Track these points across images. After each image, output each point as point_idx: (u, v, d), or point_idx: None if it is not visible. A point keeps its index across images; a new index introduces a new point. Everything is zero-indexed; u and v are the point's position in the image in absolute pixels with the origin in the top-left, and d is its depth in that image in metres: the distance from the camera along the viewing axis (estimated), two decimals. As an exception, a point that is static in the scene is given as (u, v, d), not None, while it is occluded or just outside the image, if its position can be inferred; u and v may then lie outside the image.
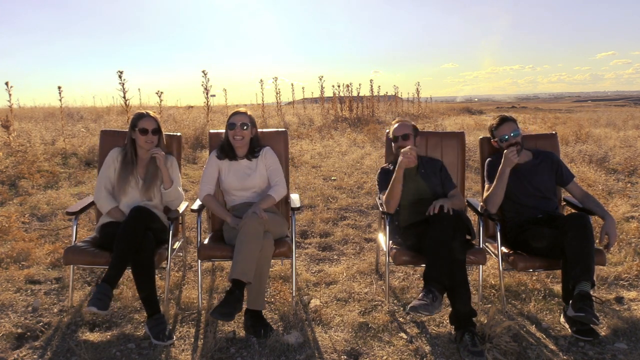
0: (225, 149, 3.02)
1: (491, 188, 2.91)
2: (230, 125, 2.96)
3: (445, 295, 2.48)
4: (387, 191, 2.85)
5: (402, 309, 2.86)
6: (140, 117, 2.92)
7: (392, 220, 2.95)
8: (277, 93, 15.54)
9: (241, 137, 2.95)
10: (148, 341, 2.49)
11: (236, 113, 3.01)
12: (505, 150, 2.86)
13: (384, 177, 2.99)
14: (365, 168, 7.26)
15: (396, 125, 3.04)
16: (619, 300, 2.95)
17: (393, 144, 3.07)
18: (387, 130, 3.27)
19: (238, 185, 2.98)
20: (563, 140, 9.01)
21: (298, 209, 3.02)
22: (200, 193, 3.00)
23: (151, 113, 2.97)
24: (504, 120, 3.00)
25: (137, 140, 2.91)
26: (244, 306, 2.59)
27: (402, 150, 2.76)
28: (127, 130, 2.96)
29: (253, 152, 3.03)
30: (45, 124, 10.78)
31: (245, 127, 2.95)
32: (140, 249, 2.54)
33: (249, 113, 3.04)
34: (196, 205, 2.99)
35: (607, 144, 8.88)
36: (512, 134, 2.94)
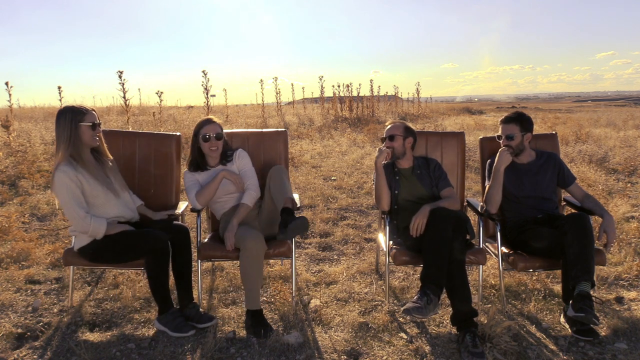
0: (195, 162, 2.94)
1: (487, 187, 2.93)
2: (204, 138, 2.87)
3: (444, 295, 2.48)
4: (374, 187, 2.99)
5: (402, 309, 2.86)
6: (82, 112, 2.53)
7: (392, 220, 2.96)
8: (277, 93, 15.56)
9: (216, 147, 2.90)
10: (148, 341, 2.49)
11: (207, 122, 2.91)
12: (500, 148, 2.93)
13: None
14: (365, 168, 7.25)
15: (388, 126, 3.07)
16: (619, 300, 2.95)
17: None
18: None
19: (219, 193, 2.92)
20: (563, 140, 9.00)
21: (298, 209, 3.02)
22: (190, 201, 2.89)
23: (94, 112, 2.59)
24: (503, 120, 3.02)
25: (83, 136, 2.55)
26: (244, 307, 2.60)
27: (379, 148, 2.98)
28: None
29: (226, 157, 2.97)
30: (45, 124, 10.77)
31: (220, 138, 2.89)
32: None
33: (214, 119, 2.95)
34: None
35: (607, 144, 8.87)
36: (505, 137, 2.97)
